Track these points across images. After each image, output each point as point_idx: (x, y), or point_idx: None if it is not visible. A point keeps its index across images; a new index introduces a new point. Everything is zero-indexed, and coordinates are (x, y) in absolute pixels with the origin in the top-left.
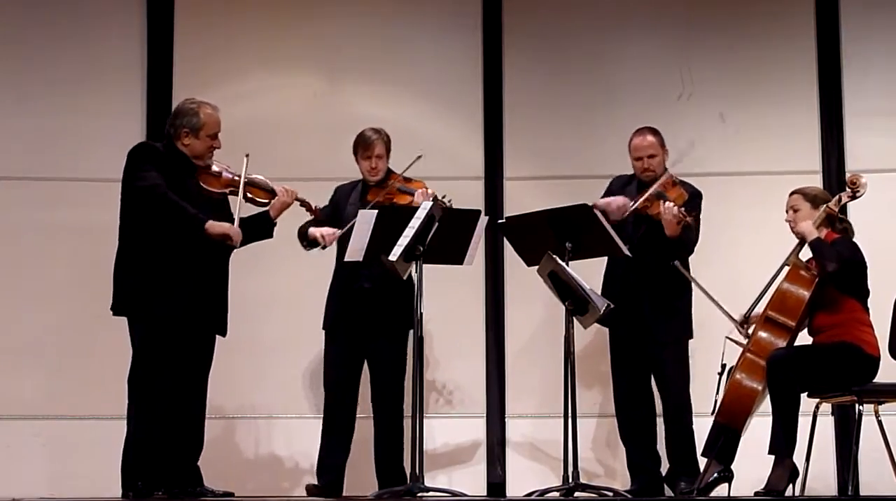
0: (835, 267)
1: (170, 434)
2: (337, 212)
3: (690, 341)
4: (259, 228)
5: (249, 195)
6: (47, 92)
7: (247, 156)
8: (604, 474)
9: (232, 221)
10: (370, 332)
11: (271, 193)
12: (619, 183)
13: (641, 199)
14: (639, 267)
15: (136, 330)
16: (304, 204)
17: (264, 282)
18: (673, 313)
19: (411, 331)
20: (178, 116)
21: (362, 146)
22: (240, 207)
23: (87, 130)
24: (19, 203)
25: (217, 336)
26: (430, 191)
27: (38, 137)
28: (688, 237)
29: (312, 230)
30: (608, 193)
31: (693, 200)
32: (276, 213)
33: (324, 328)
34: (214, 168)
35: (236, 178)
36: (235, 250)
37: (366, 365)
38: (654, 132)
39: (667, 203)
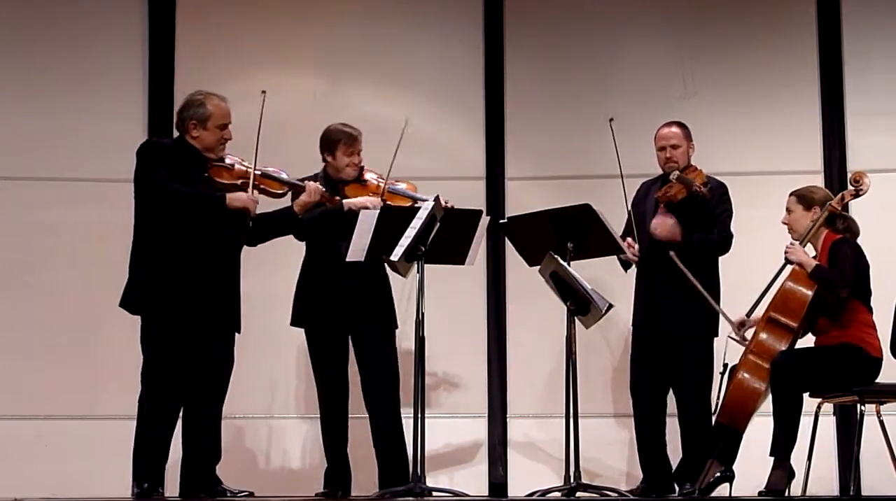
0: (847, 292)
1: (184, 436)
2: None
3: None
4: (283, 224)
5: (263, 186)
6: (48, 92)
7: (258, 141)
8: (605, 474)
9: (247, 214)
10: (355, 325)
11: (287, 185)
12: (644, 188)
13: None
14: (659, 264)
15: (149, 329)
16: (325, 198)
17: (265, 282)
18: (693, 311)
19: (397, 330)
20: (186, 109)
21: (347, 142)
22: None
23: (89, 130)
24: (20, 203)
25: None
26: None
27: (39, 137)
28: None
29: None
30: (634, 202)
31: (720, 188)
32: (299, 210)
33: (299, 325)
34: (227, 160)
35: (249, 170)
36: (246, 247)
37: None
38: (681, 125)
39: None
